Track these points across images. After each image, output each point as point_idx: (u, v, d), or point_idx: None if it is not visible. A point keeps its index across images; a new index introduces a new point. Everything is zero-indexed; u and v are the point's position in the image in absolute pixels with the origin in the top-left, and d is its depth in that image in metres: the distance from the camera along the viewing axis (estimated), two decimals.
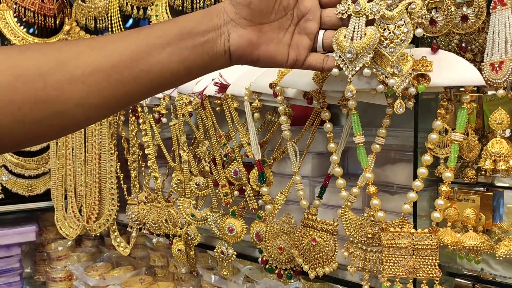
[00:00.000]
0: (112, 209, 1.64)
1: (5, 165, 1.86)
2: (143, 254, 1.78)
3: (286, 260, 1.05)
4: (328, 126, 0.95)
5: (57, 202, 1.84)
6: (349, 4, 0.73)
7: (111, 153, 1.62)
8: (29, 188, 1.90)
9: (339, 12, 0.73)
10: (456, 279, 0.91)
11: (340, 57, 0.73)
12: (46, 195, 1.91)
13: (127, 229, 1.54)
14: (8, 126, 0.54)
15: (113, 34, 0.71)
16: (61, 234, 1.80)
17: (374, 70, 0.77)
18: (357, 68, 0.73)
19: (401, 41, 0.75)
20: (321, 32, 0.74)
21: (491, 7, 0.79)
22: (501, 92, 0.77)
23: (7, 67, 0.55)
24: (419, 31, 0.73)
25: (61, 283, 1.95)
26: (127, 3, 1.58)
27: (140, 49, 0.61)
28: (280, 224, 1.06)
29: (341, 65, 0.73)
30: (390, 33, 0.74)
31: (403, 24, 0.74)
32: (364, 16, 0.73)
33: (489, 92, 0.85)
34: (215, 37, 0.66)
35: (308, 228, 0.99)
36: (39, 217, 2.04)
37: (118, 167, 1.62)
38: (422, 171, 0.84)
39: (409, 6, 0.73)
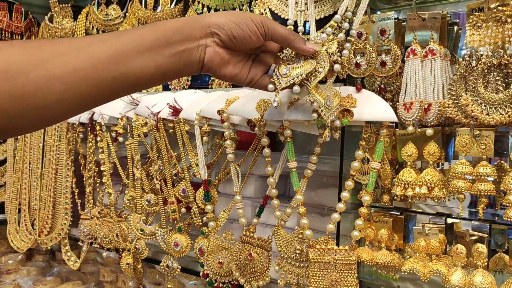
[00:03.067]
0: (65, 223, 1.68)
1: None
2: (93, 269, 1.82)
3: (225, 274, 1.14)
4: (266, 151, 1.05)
5: (10, 215, 1.87)
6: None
7: (68, 169, 1.68)
8: None
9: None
10: None
11: (276, 75, 0.83)
12: (0, 208, 1.93)
13: (79, 243, 1.59)
14: None
15: (95, 35, 0.72)
16: (12, 247, 1.82)
17: (313, 102, 0.87)
18: (287, 83, 0.82)
19: (318, 73, 0.85)
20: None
21: (405, 55, 0.92)
22: (410, 128, 0.89)
23: None
24: (337, 67, 0.85)
25: None
26: (93, 27, 1.67)
27: (119, 53, 0.66)
28: (221, 240, 1.14)
29: (275, 80, 0.83)
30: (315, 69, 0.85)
31: (323, 61, 0.85)
32: None
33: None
34: (192, 48, 0.73)
35: (245, 244, 1.09)
36: None
37: (73, 183, 1.67)
38: (345, 194, 0.95)
39: (328, 49, 0.85)
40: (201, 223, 1.20)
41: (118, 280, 1.68)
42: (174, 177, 1.27)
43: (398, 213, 0.99)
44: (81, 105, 0.66)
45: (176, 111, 1.25)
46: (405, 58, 0.93)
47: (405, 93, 0.92)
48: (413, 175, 0.90)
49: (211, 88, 1.37)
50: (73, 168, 1.68)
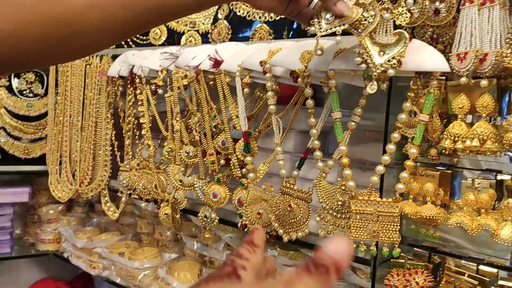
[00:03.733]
0: (104, 175, 1.72)
1: (4, 127, 1.94)
2: (131, 221, 1.87)
3: (264, 225, 1.14)
4: (310, 102, 1.04)
5: (52, 166, 1.92)
6: None
7: (107, 122, 1.70)
8: (26, 151, 1.97)
9: None
10: (415, 248, 1.00)
11: (318, 19, 0.80)
12: (41, 160, 1.99)
13: (118, 194, 1.62)
14: (33, 45, 0.61)
15: None
16: (54, 196, 1.88)
17: (361, 50, 0.85)
18: (328, 30, 0.79)
19: (368, 23, 0.83)
20: None
21: (461, 3, 0.88)
22: (463, 79, 0.86)
23: None
24: (387, 16, 0.82)
25: (49, 245, 2.03)
26: None
27: None
28: (260, 191, 1.15)
29: (316, 24, 0.80)
30: (364, 18, 0.82)
31: (371, 9, 0.82)
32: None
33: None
34: None
35: (285, 195, 1.09)
36: (33, 180, 2.11)
37: (113, 135, 1.70)
38: (390, 147, 0.93)
39: None
40: (240, 175, 1.21)
41: (154, 232, 1.72)
42: (214, 129, 1.27)
43: (444, 168, 0.97)
44: (119, 34, 0.67)
45: (217, 62, 1.24)
46: (460, 7, 0.88)
47: (459, 43, 0.89)
48: (464, 128, 0.87)
49: (252, 41, 1.35)
50: (113, 121, 1.70)
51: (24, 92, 2.00)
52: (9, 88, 1.97)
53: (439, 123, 0.92)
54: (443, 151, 0.91)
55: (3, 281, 2.22)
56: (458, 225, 0.87)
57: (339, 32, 0.78)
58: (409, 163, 0.91)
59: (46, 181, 1.94)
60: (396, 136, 0.92)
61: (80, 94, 1.81)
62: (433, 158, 0.95)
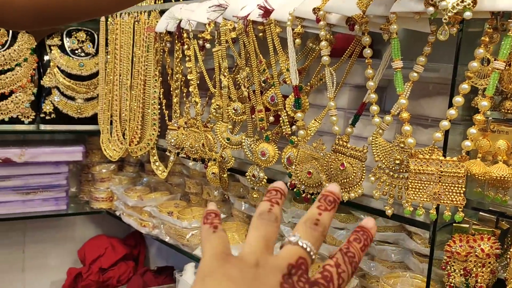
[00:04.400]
0: (153, 134, 1.70)
1: (57, 86, 1.96)
2: (179, 181, 1.86)
3: (314, 185, 1.08)
4: (367, 51, 0.94)
5: (103, 125, 1.93)
6: None
7: (155, 80, 1.67)
8: (79, 111, 1.99)
9: None
10: (480, 212, 0.91)
11: None
12: (93, 119, 2.01)
13: (166, 153, 1.60)
14: None
15: None
16: (106, 155, 1.89)
17: None
18: None
19: None
20: None
21: None
22: None
23: None
24: None
25: (103, 203, 2.07)
26: None
27: None
28: (311, 150, 1.08)
29: None
30: None
31: None
32: None
33: None
34: None
35: (337, 153, 1.01)
36: (86, 139, 2.15)
37: (161, 94, 1.67)
38: (458, 99, 0.83)
39: None
40: (290, 132, 1.14)
41: (203, 192, 1.70)
42: (263, 84, 1.20)
43: None
44: None
45: (267, 11, 1.16)
46: None
47: None
48: None
49: None
50: (161, 79, 1.67)
51: (76, 52, 2.01)
52: (62, 48, 1.99)
53: None
54: None
55: (60, 236, 2.30)
56: None
57: None
58: (479, 117, 0.81)
59: (99, 140, 1.96)
60: (465, 87, 0.82)
61: (129, 52, 1.79)
62: (508, 112, 0.84)
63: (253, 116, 1.24)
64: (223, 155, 1.33)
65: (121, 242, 2.22)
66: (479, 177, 0.84)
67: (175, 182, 1.88)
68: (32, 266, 2.27)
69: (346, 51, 1.07)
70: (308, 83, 1.13)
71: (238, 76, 1.28)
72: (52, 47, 1.98)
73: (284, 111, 1.14)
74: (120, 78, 1.84)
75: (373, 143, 0.95)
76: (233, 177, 1.43)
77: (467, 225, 0.88)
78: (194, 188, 1.74)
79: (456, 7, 0.75)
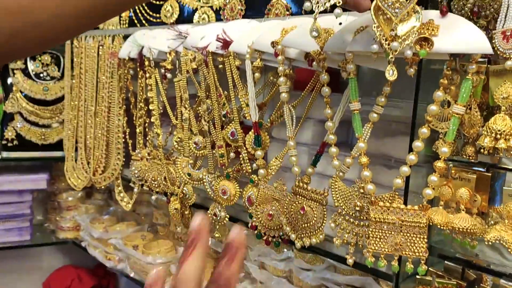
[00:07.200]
0: (117, 164, 1.63)
1: (20, 112, 1.88)
2: (148, 211, 1.79)
3: (275, 228, 1.02)
4: (326, 90, 0.89)
5: (68, 152, 1.85)
6: None
7: (119, 107, 1.61)
8: (43, 137, 1.92)
9: None
10: (446, 262, 0.86)
11: None
12: (59, 145, 1.93)
13: (130, 184, 1.54)
14: None
15: None
16: (70, 184, 1.81)
17: (374, 29, 0.71)
18: (327, 4, 0.64)
19: (407, 0, 0.69)
20: None
21: None
22: (509, 63, 0.70)
23: None
24: None
25: (69, 232, 1.99)
26: None
27: None
28: (272, 190, 1.02)
29: None
30: None
31: None
32: None
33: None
34: None
35: (298, 196, 0.96)
36: (52, 166, 2.07)
37: (125, 122, 1.60)
38: (418, 144, 0.78)
39: None
40: (250, 170, 1.08)
41: (170, 224, 1.63)
42: (223, 118, 1.14)
43: (483, 170, 0.81)
44: (83, 18, 0.57)
45: (225, 43, 1.11)
46: None
47: (505, 18, 0.72)
48: (509, 123, 0.71)
49: (267, 18, 1.20)
50: (125, 106, 1.61)
51: (41, 75, 1.94)
52: (25, 71, 1.91)
53: (478, 116, 0.76)
54: (482, 150, 0.76)
55: (27, 267, 2.21)
56: (497, 241, 0.72)
57: (339, 2, 0.63)
58: (439, 164, 0.76)
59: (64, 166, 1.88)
60: (425, 131, 0.77)
61: (94, 77, 1.73)
62: (470, 157, 0.79)
63: (214, 151, 1.18)
64: (184, 191, 1.27)
65: (89, 273, 2.14)
66: (442, 227, 0.79)
67: (143, 212, 1.81)
68: None
69: (308, 86, 1.03)
70: (269, 119, 1.08)
71: (200, 108, 1.22)
72: (15, 71, 1.90)
73: (244, 148, 1.09)
74: (85, 104, 1.77)
75: (332, 187, 0.90)
76: (197, 211, 1.36)
77: (431, 278, 0.82)
78: (161, 219, 1.67)
79: (398, 46, 0.70)
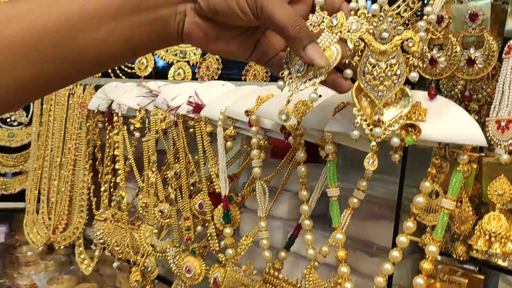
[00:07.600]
0: (80, 222, 1.52)
1: None
2: (111, 273, 1.65)
3: None
4: (302, 169, 0.81)
5: (30, 205, 1.73)
6: (324, 17, 0.58)
7: (86, 161, 1.50)
8: (4, 186, 1.79)
9: (311, 24, 0.58)
10: None
11: (288, 69, 0.58)
12: (21, 196, 1.80)
13: (91, 246, 1.41)
14: None
15: None
16: (28, 240, 1.68)
17: (355, 112, 0.63)
18: (301, 87, 0.57)
19: (392, 83, 0.61)
20: None
21: (504, 51, 0.65)
22: (505, 157, 0.62)
23: None
24: (414, 75, 0.59)
25: None
26: None
27: (71, 24, 0.48)
28: (240, 274, 0.92)
29: (286, 76, 0.58)
30: (380, 72, 0.60)
31: (396, 64, 0.59)
32: (339, 33, 0.58)
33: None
34: (169, 15, 0.52)
35: (268, 284, 0.85)
36: (13, 217, 1.93)
37: (90, 178, 1.50)
38: (402, 239, 0.69)
39: (405, 43, 0.58)
40: (217, 248, 0.98)
41: None
42: (192, 187, 1.05)
43: (475, 268, 0.72)
44: (23, 92, 0.49)
45: (197, 107, 1.03)
46: (503, 55, 0.65)
47: (499, 105, 0.65)
48: (504, 223, 0.62)
49: (245, 80, 1.13)
50: (91, 161, 1.50)
51: (7, 121, 1.83)
52: None
53: (470, 212, 0.68)
54: (475, 252, 0.67)
55: None
56: None
57: (315, 86, 0.55)
58: (426, 265, 0.67)
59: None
60: (410, 225, 0.68)
61: (62, 126, 1.63)
62: (461, 258, 0.70)
63: (180, 222, 1.08)
64: (146, 263, 1.15)
65: None
66: None
67: (107, 273, 1.67)
68: None
69: (285, 157, 0.94)
70: (240, 193, 0.98)
71: (168, 172, 1.13)
72: None
73: (212, 223, 0.99)
74: (51, 154, 1.66)
75: (306, 278, 0.80)
76: (161, 284, 1.24)
77: None
78: (125, 283, 1.54)
79: (383, 132, 0.62)
